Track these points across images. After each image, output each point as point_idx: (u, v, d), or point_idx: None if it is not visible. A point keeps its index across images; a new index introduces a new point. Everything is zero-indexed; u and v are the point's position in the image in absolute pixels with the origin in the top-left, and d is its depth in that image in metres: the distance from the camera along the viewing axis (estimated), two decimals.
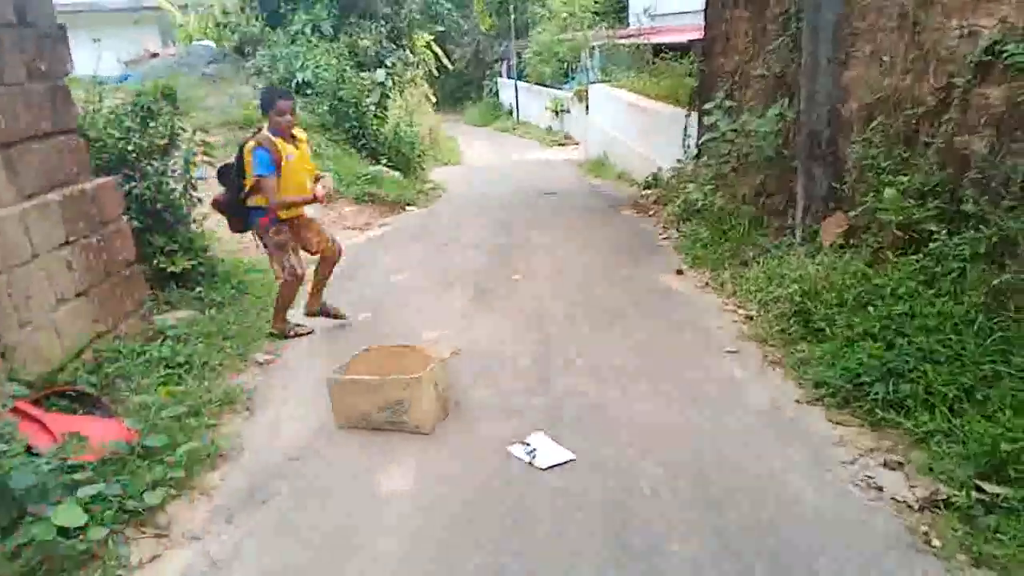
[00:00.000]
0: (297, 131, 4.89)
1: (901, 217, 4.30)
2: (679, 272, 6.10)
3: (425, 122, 17.56)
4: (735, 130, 6.66)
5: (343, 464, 3.39)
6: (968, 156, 4.22)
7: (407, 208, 10.13)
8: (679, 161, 8.83)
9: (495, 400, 3.93)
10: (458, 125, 27.18)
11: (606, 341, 4.70)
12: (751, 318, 4.89)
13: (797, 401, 3.76)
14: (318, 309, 5.23)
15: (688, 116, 9.03)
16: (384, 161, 11.92)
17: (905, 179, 4.37)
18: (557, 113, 21.76)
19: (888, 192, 4.32)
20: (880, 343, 3.72)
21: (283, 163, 4.65)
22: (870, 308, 4.01)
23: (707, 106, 6.94)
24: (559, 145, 19.88)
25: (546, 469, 3.19)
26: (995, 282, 3.60)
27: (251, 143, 4.70)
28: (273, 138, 4.65)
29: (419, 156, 13.40)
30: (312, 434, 3.68)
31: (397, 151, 12.67)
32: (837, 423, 3.51)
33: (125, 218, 5.16)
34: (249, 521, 3.00)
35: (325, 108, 12.10)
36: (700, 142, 6.92)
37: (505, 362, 4.40)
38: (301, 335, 5.11)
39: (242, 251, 7.72)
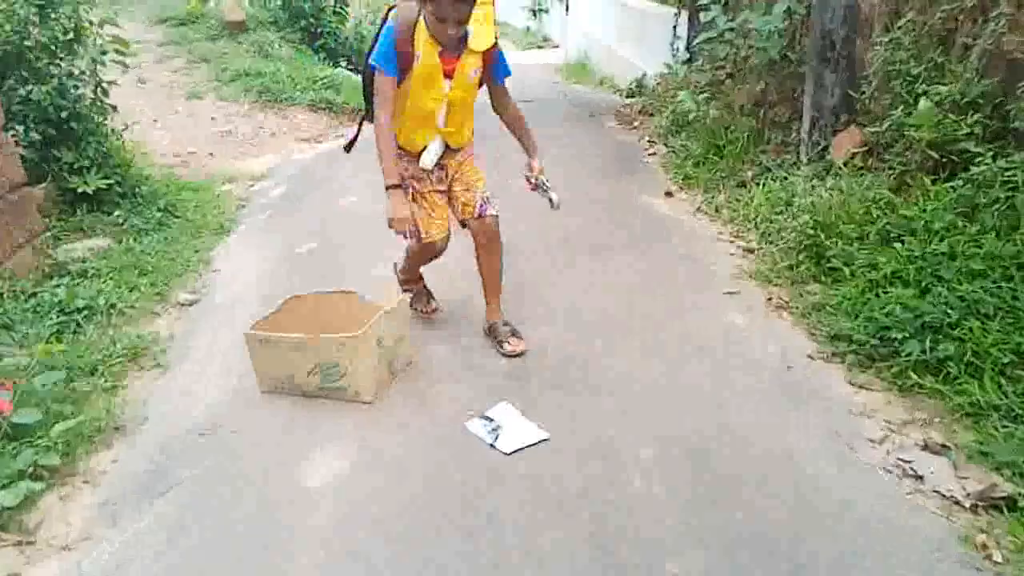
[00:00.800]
0: (479, 35, 2.88)
1: (935, 134, 3.63)
2: (668, 194, 5.42)
3: None
4: (733, 29, 5.85)
5: (264, 443, 2.77)
6: (1020, 61, 3.54)
7: None
8: (668, 67, 8.00)
9: (454, 357, 3.30)
10: None
11: (586, 278, 4.07)
12: (752, 251, 4.26)
13: (810, 356, 3.18)
14: (488, 325, 3.43)
15: (677, 15, 8.15)
16: (344, 64, 10.90)
17: (944, 88, 3.67)
18: (535, 13, 20.32)
19: (923, 104, 3.63)
20: (912, 289, 3.12)
21: (414, 65, 2.85)
22: (897, 245, 3.40)
23: (703, 1, 6.09)
24: (537, 47, 18.70)
25: (511, 453, 2.60)
26: None
27: (397, 6, 2.89)
28: (416, 20, 2.82)
29: None
30: (232, 401, 3.05)
31: (360, 52, 11.62)
32: (860, 387, 2.94)
33: (20, 129, 4.38)
34: (140, 521, 2.40)
35: (278, 3, 10.98)
36: (695, 44, 6.12)
37: (467, 306, 3.75)
38: (415, 308, 3.63)
39: (181, 164, 6.92)
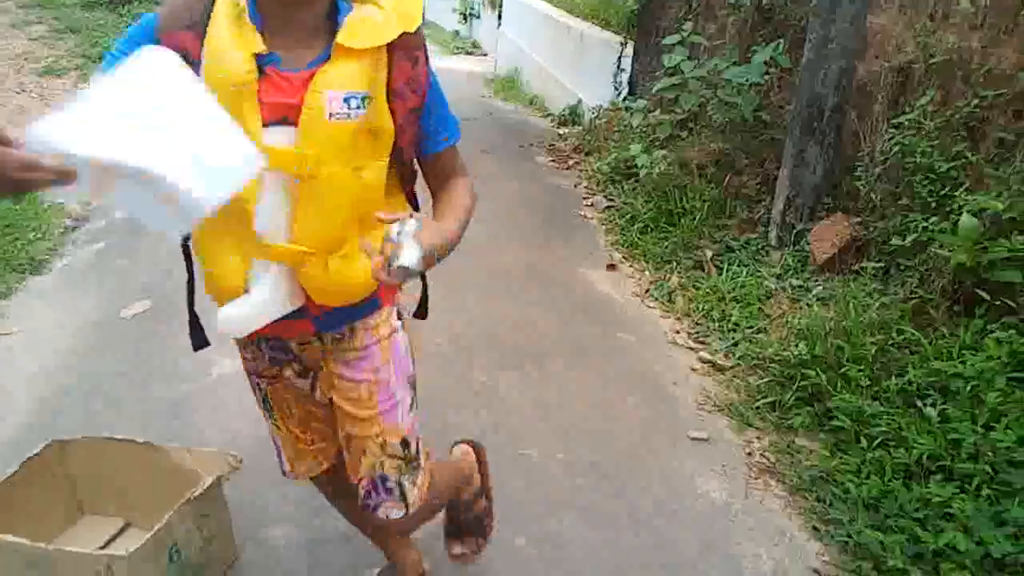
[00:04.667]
0: (365, 21, 1.25)
1: (975, 258, 2.80)
2: (611, 266, 4.48)
3: None
4: (697, 78, 4.97)
5: None
6: None
7: None
8: (613, 104, 7.10)
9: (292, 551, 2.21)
10: None
11: (505, 406, 3.05)
12: (720, 368, 3.34)
13: (817, 573, 2.26)
14: None
15: (623, 45, 7.27)
16: None
17: (983, 198, 2.85)
18: (466, 17, 19.35)
19: (966, 219, 2.79)
20: (962, 492, 2.25)
21: None
22: (929, 410, 2.53)
23: (668, 40, 5.19)
24: (466, 53, 17.60)
25: None
26: None
27: None
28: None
29: None
30: None
31: None
32: None
33: None
34: None
35: None
36: (657, 89, 5.21)
37: None
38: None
39: None
